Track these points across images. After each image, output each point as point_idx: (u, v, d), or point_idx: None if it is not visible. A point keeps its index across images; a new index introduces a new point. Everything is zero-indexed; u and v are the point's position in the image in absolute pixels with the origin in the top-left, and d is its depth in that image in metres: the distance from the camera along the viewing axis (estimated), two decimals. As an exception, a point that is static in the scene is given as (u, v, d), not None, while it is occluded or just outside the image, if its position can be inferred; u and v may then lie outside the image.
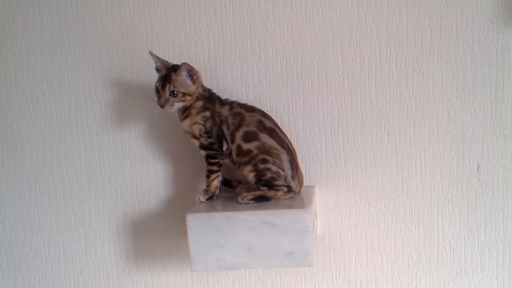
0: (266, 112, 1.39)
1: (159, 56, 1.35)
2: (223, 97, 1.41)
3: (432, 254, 1.47)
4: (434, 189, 1.44)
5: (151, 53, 1.33)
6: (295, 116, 1.47)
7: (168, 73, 1.31)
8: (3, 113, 1.58)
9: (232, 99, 1.42)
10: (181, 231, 1.51)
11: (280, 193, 1.30)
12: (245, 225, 1.20)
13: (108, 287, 1.61)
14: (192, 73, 1.32)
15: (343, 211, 1.49)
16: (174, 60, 1.46)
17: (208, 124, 1.34)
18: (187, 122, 1.35)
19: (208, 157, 1.36)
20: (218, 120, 1.34)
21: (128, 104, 1.52)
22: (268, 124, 1.34)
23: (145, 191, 1.56)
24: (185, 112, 1.35)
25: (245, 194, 1.29)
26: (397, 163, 1.45)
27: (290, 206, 1.23)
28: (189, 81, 1.32)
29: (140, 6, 1.48)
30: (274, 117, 1.39)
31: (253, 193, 1.30)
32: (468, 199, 1.44)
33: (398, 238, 1.48)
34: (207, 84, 1.45)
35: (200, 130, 1.34)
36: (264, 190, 1.30)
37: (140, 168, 1.55)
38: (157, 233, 1.57)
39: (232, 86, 1.47)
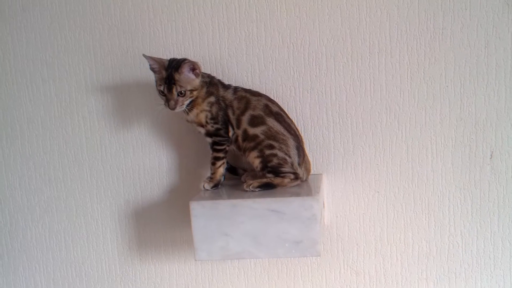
0: (272, 98, 1.35)
1: (153, 56, 1.30)
2: (227, 82, 1.38)
3: (443, 244, 1.43)
4: (445, 178, 1.40)
5: (144, 56, 1.29)
6: (302, 101, 1.43)
7: (170, 73, 1.26)
8: (2, 99, 1.55)
9: (237, 84, 1.39)
10: (185, 219, 1.48)
11: (286, 180, 1.26)
12: (251, 213, 1.17)
13: (110, 277, 1.59)
14: (194, 67, 1.27)
15: (351, 200, 1.45)
16: (177, 44, 1.44)
17: (214, 109, 1.31)
18: (194, 112, 1.31)
19: (214, 143, 1.33)
20: (223, 105, 1.31)
21: (131, 89, 1.49)
22: (274, 108, 1.31)
23: (148, 179, 1.53)
24: (189, 104, 1.31)
25: (251, 181, 1.26)
26: (408, 150, 1.41)
27: (298, 194, 1.20)
28: (192, 76, 1.28)
29: (142, -12, 1.45)
30: (280, 103, 1.35)
31: (259, 180, 1.26)
32: (480, 188, 1.40)
33: (408, 228, 1.44)
34: (212, 69, 1.42)
35: (206, 116, 1.31)
36: (270, 178, 1.27)
37: (143, 156, 1.52)
38: (161, 222, 1.54)
39: (237, 70, 1.43)
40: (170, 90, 1.26)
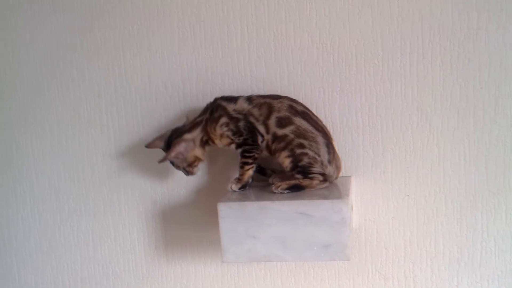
0: (301, 100, 1.33)
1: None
2: (255, 84, 1.37)
3: (475, 250, 1.39)
4: (478, 182, 1.37)
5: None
6: (331, 103, 1.40)
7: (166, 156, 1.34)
8: (32, 99, 1.56)
9: (265, 85, 1.39)
10: (212, 220, 1.48)
11: (315, 182, 1.25)
12: (279, 215, 1.15)
13: (136, 276, 1.59)
14: (179, 151, 1.34)
15: (380, 204, 1.42)
16: (206, 44, 1.44)
17: (232, 125, 1.30)
18: (217, 142, 1.34)
19: (243, 151, 1.32)
20: (240, 116, 1.30)
21: (159, 89, 1.49)
22: (299, 108, 1.30)
23: (176, 179, 1.52)
24: (207, 143, 1.36)
25: (279, 183, 1.25)
26: (439, 153, 1.37)
27: (327, 197, 1.18)
28: (187, 148, 1.34)
29: (171, -12, 1.45)
30: (308, 104, 1.34)
31: (288, 182, 1.25)
32: (515, 193, 1.36)
33: (439, 233, 1.41)
34: (240, 69, 1.42)
35: (228, 136, 1.31)
36: (299, 179, 1.25)
37: (170, 156, 1.51)
38: (187, 222, 1.54)
39: (265, 71, 1.42)
40: (178, 168, 1.39)
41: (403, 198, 1.41)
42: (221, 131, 1.31)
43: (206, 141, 1.35)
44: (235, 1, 1.41)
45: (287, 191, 1.23)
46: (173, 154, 1.32)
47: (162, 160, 1.32)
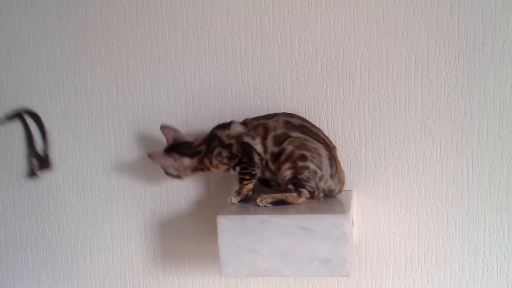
0: (304, 113, 1.33)
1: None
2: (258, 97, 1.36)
3: (477, 268, 1.38)
4: (481, 198, 1.35)
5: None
6: (334, 116, 1.40)
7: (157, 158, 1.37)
8: (34, 106, 1.55)
9: (268, 97, 1.39)
10: (211, 233, 1.45)
11: (301, 199, 1.23)
12: (279, 229, 1.14)
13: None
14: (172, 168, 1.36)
15: (381, 219, 1.41)
16: (210, 55, 1.44)
17: (225, 153, 1.30)
18: (213, 170, 1.35)
19: (240, 169, 1.31)
20: (233, 141, 1.30)
21: (162, 99, 1.48)
22: (296, 122, 1.29)
23: (175, 190, 1.51)
24: (204, 167, 1.36)
25: (265, 196, 1.24)
26: (442, 169, 1.36)
27: (328, 211, 1.16)
28: (178, 169, 1.36)
29: (176, -2, 1.45)
30: (311, 117, 1.34)
31: (273, 196, 1.24)
32: (518, 210, 1.35)
33: (440, 249, 1.39)
34: (244, 81, 1.42)
35: (224, 164, 1.32)
36: (285, 194, 1.24)
37: (171, 167, 1.50)
38: (186, 234, 1.52)
39: (269, 83, 1.41)
40: None
41: (405, 213, 1.39)
42: (216, 161, 1.32)
43: (200, 169, 1.36)
44: (240, 12, 1.41)
45: (271, 205, 1.22)
46: (163, 164, 1.36)
47: (152, 156, 1.35)
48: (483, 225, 1.36)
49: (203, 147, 1.34)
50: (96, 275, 1.59)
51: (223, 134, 1.31)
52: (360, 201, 1.41)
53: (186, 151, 1.35)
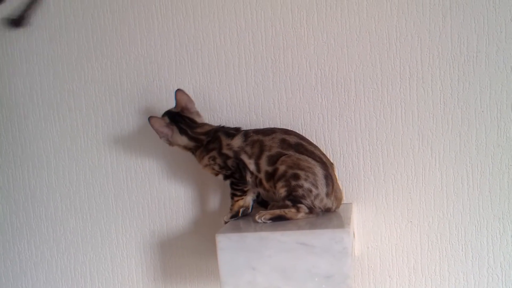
0: (300, 127, 1.32)
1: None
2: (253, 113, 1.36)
3: (482, 277, 1.36)
4: (483, 207, 1.34)
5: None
6: (330, 129, 1.39)
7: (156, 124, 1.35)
8: (29, 129, 1.55)
9: (264, 112, 1.38)
10: (211, 251, 1.45)
11: (300, 215, 1.22)
12: (279, 246, 1.12)
13: (135, 309, 1.56)
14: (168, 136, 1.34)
15: (383, 230, 1.40)
16: (203, 72, 1.44)
17: (219, 161, 1.30)
18: (201, 166, 1.35)
19: (231, 183, 1.31)
20: (230, 153, 1.29)
21: (156, 118, 1.47)
22: (292, 140, 1.27)
23: (174, 209, 1.50)
24: (194, 155, 1.36)
25: (263, 212, 1.23)
26: (442, 178, 1.35)
27: (328, 226, 1.15)
28: (173, 139, 1.34)
29: (168, 17, 1.44)
30: (308, 131, 1.33)
31: (272, 212, 1.23)
32: (521, 217, 1.34)
33: (444, 260, 1.38)
34: (238, 97, 1.41)
35: (213, 169, 1.32)
36: (284, 210, 1.23)
37: (169, 186, 1.50)
38: (186, 253, 1.51)
39: (264, 98, 1.41)
40: None
41: (406, 224, 1.38)
42: (207, 162, 1.32)
43: (191, 152, 1.36)
44: (232, 29, 1.41)
45: (270, 221, 1.21)
46: (159, 131, 1.33)
47: (152, 120, 1.32)
48: (486, 234, 1.35)
49: (204, 138, 1.33)
50: (97, 297, 1.58)
51: (225, 141, 1.30)
52: (361, 214, 1.40)
53: (187, 130, 1.33)
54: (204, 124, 1.36)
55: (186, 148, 1.35)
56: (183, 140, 1.33)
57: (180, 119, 1.33)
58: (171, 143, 1.35)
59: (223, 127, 1.35)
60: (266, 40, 1.40)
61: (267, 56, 1.40)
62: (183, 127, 1.33)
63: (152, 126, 1.32)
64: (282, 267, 1.13)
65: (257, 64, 1.41)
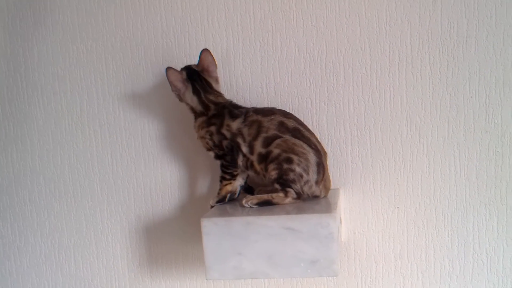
0: (288, 111, 1.30)
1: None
2: (241, 95, 1.34)
3: (467, 263, 1.37)
4: (469, 193, 1.34)
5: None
6: (318, 114, 1.38)
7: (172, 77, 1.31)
8: (12, 112, 1.52)
9: (252, 96, 1.36)
10: (198, 236, 1.44)
11: (287, 200, 1.21)
12: (265, 231, 1.11)
13: (121, 294, 1.55)
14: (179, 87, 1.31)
15: (369, 216, 1.40)
16: (190, 55, 1.42)
17: (216, 138, 1.28)
18: (198, 133, 1.31)
19: (222, 165, 1.30)
20: (228, 134, 1.27)
21: (143, 102, 1.46)
22: (291, 124, 1.25)
23: (160, 194, 1.49)
24: (195, 120, 1.33)
25: (250, 197, 1.22)
26: (429, 164, 1.35)
27: (314, 211, 1.14)
28: (183, 94, 1.31)
29: (155, -2, 1.42)
30: (296, 115, 1.31)
31: (259, 196, 1.22)
32: (507, 204, 1.33)
33: (430, 245, 1.38)
34: (226, 81, 1.40)
35: (208, 143, 1.29)
36: (271, 195, 1.22)
37: (155, 170, 1.48)
38: (172, 238, 1.50)
39: (251, 82, 1.39)
40: None
41: (393, 210, 1.38)
42: (204, 135, 1.29)
43: (193, 113, 1.34)
44: (220, 12, 1.39)
45: (257, 206, 1.21)
46: (174, 84, 1.30)
47: (169, 71, 1.28)
48: (472, 220, 1.35)
49: (212, 107, 1.30)
50: (82, 282, 1.56)
51: (226, 121, 1.28)
52: (348, 199, 1.39)
53: (200, 92, 1.30)
54: (218, 94, 1.32)
55: (192, 110, 1.32)
56: (193, 100, 1.30)
57: (197, 78, 1.29)
58: (181, 99, 1.32)
59: (231, 103, 1.32)
60: (254, 23, 1.38)
61: (255, 39, 1.38)
62: (198, 88, 1.29)
63: (168, 77, 1.28)
64: (268, 252, 1.12)
65: (245, 48, 1.39)
